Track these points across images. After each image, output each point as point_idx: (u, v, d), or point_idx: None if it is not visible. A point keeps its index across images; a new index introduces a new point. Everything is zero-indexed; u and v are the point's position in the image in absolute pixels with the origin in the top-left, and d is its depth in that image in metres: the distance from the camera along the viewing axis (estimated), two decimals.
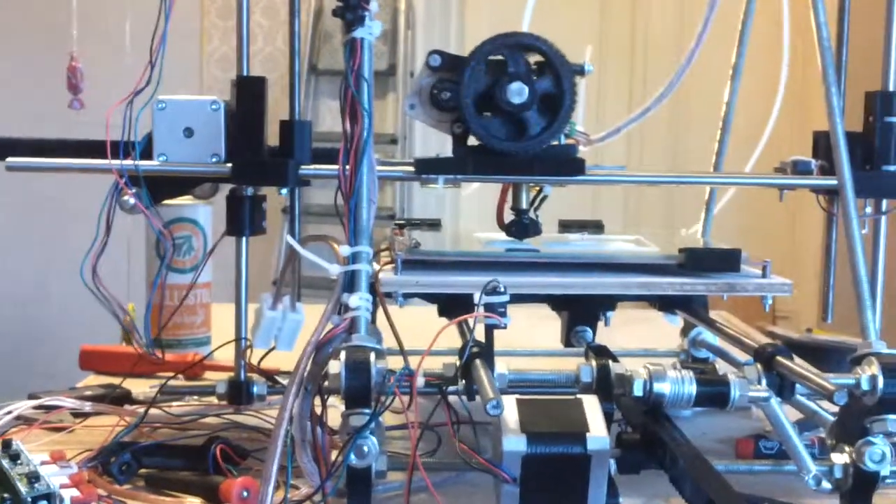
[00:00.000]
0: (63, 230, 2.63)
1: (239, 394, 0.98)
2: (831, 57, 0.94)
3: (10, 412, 0.99)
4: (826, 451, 0.85)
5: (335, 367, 0.75)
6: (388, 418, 0.86)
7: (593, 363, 0.83)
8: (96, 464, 0.87)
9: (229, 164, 0.94)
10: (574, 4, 3.55)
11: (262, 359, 0.96)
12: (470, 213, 3.15)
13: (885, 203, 0.98)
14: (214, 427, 0.98)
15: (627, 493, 0.79)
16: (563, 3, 3.44)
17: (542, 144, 0.92)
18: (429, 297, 0.97)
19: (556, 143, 0.94)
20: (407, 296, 0.93)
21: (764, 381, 0.83)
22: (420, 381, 0.76)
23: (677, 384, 0.81)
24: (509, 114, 0.91)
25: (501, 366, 0.82)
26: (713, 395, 0.81)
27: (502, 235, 1.03)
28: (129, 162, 0.90)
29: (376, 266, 0.95)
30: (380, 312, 0.86)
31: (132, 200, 0.91)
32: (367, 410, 0.74)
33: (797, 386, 0.84)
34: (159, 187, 0.94)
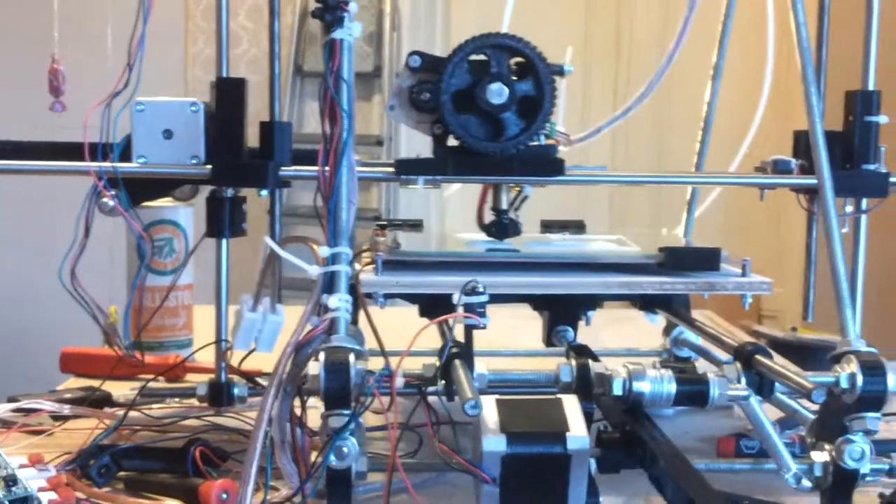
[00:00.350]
0: (49, 232, 2.61)
1: (220, 396, 0.97)
2: (810, 56, 0.95)
3: None
4: (807, 449, 0.85)
5: (314, 368, 0.75)
6: (369, 419, 0.86)
7: (573, 363, 0.84)
8: (75, 467, 0.86)
9: (209, 166, 0.93)
10: (559, 5, 3.56)
11: (242, 360, 0.96)
12: (455, 213, 3.15)
13: (864, 202, 0.99)
14: (195, 429, 0.97)
15: (608, 493, 0.79)
16: (549, 4, 3.44)
17: (518, 146, 0.92)
18: (410, 298, 0.97)
19: (536, 143, 0.94)
20: (388, 296, 0.93)
21: (743, 380, 0.83)
22: (399, 382, 0.76)
23: (657, 383, 0.81)
24: (487, 114, 0.91)
25: (481, 366, 0.82)
26: (692, 393, 0.81)
27: (484, 236, 1.03)
28: (107, 164, 0.90)
29: (358, 267, 0.95)
30: (363, 313, 0.86)
31: (111, 203, 0.91)
32: (346, 411, 0.74)
33: (778, 384, 0.84)
34: (139, 189, 0.94)
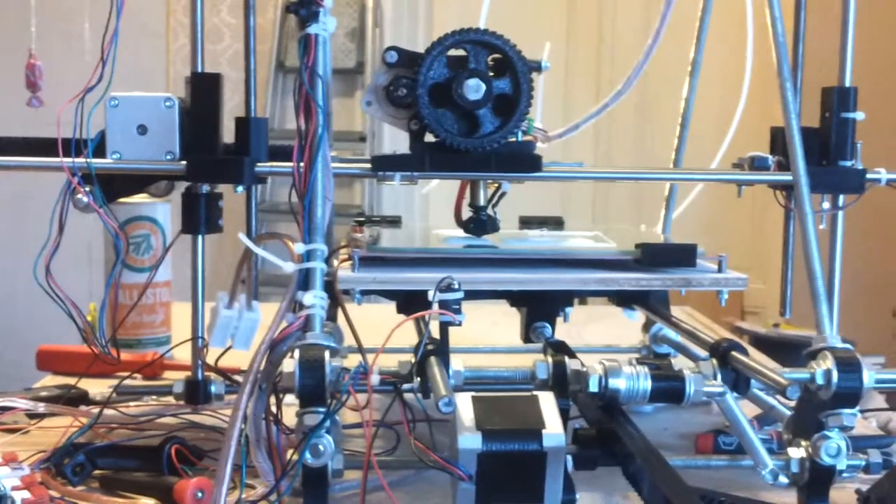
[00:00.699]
0: (27, 228, 2.60)
1: (196, 393, 0.97)
2: (786, 52, 0.95)
3: None
4: (784, 445, 0.85)
5: (289, 365, 0.75)
6: (346, 416, 0.86)
7: (549, 359, 0.83)
8: (49, 465, 0.86)
9: (184, 162, 0.93)
10: (542, 2, 3.56)
11: (218, 358, 0.96)
12: (438, 210, 3.14)
13: (841, 198, 0.99)
14: (171, 427, 0.97)
15: (584, 490, 0.79)
16: (532, 0, 3.45)
17: (492, 144, 0.92)
18: (387, 294, 0.96)
19: (513, 139, 0.93)
20: (365, 293, 0.92)
21: (719, 377, 0.83)
22: (375, 379, 0.76)
23: (632, 380, 0.81)
24: (463, 109, 0.91)
25: (457, 363, 0.81)
26: (668, 390, 0.81)
27: (462, 232, 1.03)
28: (80, 160, 0.89)
29: (336, 263, 0.94)
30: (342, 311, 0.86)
31: (86, 199, 0.90)
32: (321, 409, 0.74)
33: (755, 381, 0.84)
34: (113, 185, 0.93)
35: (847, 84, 0.98)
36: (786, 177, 0.96)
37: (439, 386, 0.73)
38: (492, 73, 0.92)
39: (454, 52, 0.92)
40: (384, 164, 0.94)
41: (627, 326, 1.22)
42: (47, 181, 0.96)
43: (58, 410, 1.00)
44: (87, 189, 0.90)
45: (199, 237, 0.95)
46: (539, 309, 1.03)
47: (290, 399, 0.77)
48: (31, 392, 1.07)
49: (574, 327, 1.06)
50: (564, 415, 0.76)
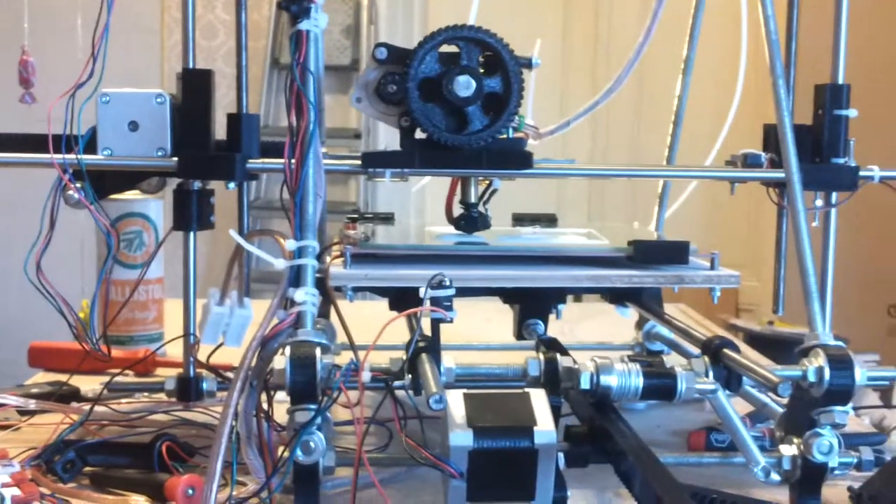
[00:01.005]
0: (18, 224, 2.58)
1: (188, 390, 0.96)
2: (779, 49, 0.95)
3: None
4: (776, 442, 0.85)
5: (280, 362, 0.75)
6: (337, 413, 0.86)
7: (541, 357, 0.83)
8: (40, 462, 0.86)
9: (175, 158, 0.92)
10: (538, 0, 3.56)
11: (210, 355, 0.95)
12: (433, 207, 3.14)
13: (834, 196, 0.99)
14: (163, 424, 0.97)
15: (576, 487, 0.79)
16: None
17: (479, 141, 0.91)
18: (379, 291, 0.96)
19: (504, 136, 0.93)
20: (356, 289, 0.92)
21: (711, 374, 0.83)
22: (366, 376, 0.75)
23: (624, 377, 0.81)
24: (453, 105, 0.91)
25: (449, 360, 0.81)
26: (660, 387, 0.81)
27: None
28: (71, 156, 0.89)
29: (329, 260, 0.94)
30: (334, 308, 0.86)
31: (76, 195, 0.90)
32: (312, 406, 0.74)
33: (747, 378, 0.84)
34: (105, 182, 0.93)
35: (840, 81, 0.98)
36: (778, 174, 0.96)
37: (430, 383, 0.73)
38: (483, 71, 0.92)
39: (447, 48, 0.92)
40: (374, 161, 0.93)
41: (621, 324, 1.22)
42: (39, 178, 0.96)
43: (49, 407, 0.99)
44: (78, 185, 0.90)
45: (191, 234, 0.95)
46: (531, 306, 1.03)
47: (282, 396, 0.77)
48: (23, 389, 1.06)
49: (567, 324, 1.06)
50: (556, 412, 0.76)
